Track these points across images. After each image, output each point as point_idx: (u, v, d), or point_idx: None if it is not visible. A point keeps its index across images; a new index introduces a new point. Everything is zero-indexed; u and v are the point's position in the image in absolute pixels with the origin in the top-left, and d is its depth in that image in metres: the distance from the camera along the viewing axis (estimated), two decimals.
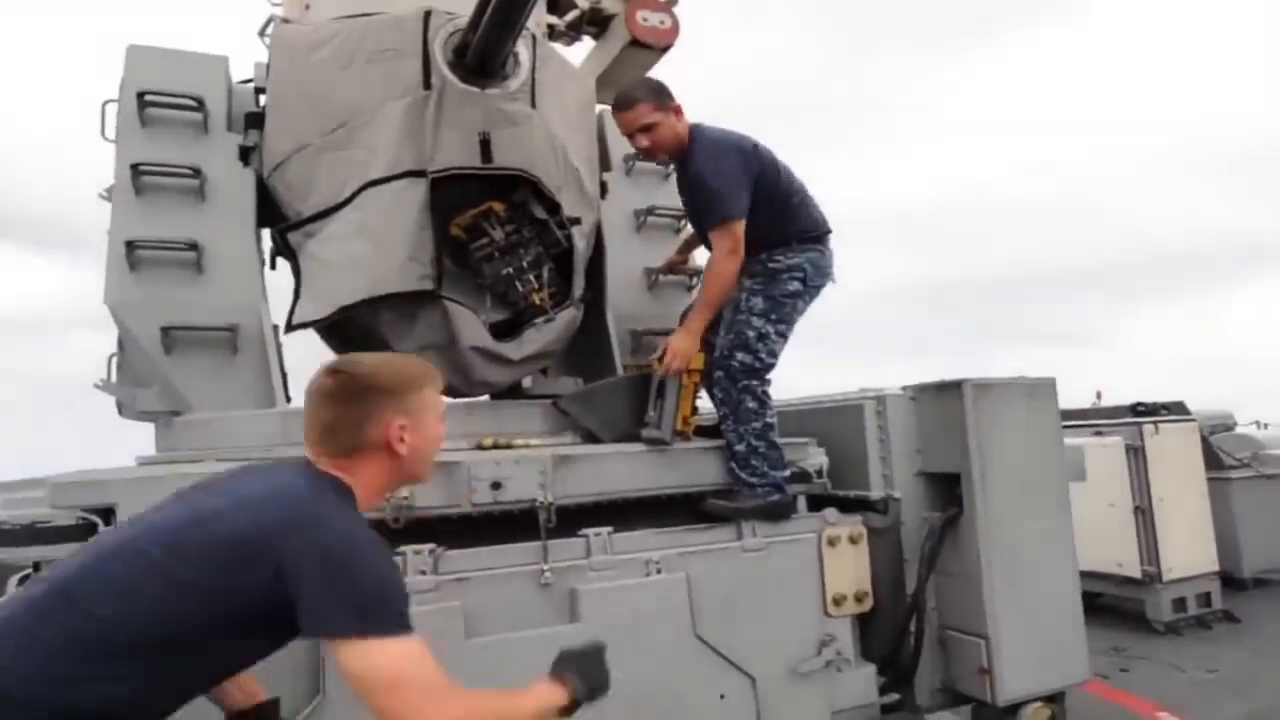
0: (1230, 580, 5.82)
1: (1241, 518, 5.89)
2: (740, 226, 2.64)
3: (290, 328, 2.67)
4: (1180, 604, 5.26)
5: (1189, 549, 5.25)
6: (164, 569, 1.25)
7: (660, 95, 2.70)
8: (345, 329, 2.91)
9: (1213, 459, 5.82)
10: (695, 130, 2.74)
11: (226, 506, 1.32)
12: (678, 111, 2.72)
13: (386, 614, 1.24)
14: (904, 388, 3.02)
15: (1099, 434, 5.38)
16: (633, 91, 2.74)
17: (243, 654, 1.41)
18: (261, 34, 3.31)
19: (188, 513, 1.34)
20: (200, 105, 2.87)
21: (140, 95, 2.80)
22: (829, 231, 2.85)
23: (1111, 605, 5.64)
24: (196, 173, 2.79)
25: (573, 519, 2.43)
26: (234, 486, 1.41)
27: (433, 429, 1.55)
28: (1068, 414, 5.28)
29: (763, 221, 2.71)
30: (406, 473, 1.53)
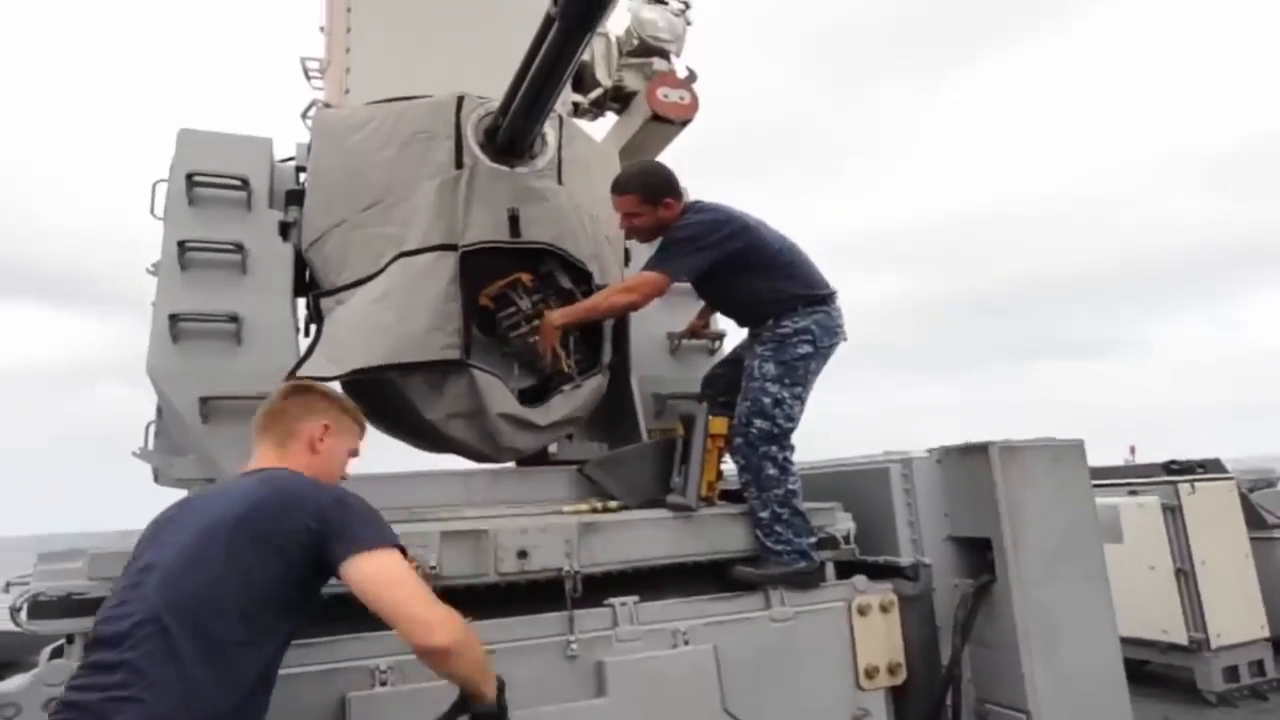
0: None
1: None
2: (661, 284, 2.74)
3: (294, 379, 2.69)
4: (1232, 672, 5.01)
5: (1236, 613, 5.03)
6: (228, 548, 1.50)
7: (652, 191, 2.80)
8: (373, 393, 2.97)
9: (1254, 518, 5.62)
10: (689, 205, 2.86)
11: (252, 494, 1.60)
12: (669, 206, 2.81)
13: (388, 533, 1.61)
14: (929, 450, 3.00)
15: (1133, 493, 5.25)
16: (629, 179, 2.85)
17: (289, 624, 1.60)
18: (303, 116, 3.50)
19: (219, 508, 1.58)
20: (245, 184, 3.02)
21: (189, 176, 2.95)
22: (833, 293, 2.90)
23: (1159, 673, 5.39)
24: (239, 248, 2.92)
25: (599, 587, 2.42)
26: (228, 490, 1.68)
27: (343, 449, 1.90)
28: (1099, 472, 5.17)
29: (762, 288, 2.78)
30: (318, 473, 1.79)
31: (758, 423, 2.69)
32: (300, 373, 2.69)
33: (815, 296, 2.83)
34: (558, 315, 2.75)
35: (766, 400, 2.69)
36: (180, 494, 2.87)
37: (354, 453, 1.94)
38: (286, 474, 1.73)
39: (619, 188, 2.85)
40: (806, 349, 2.75)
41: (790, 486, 2.68)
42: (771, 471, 2.66)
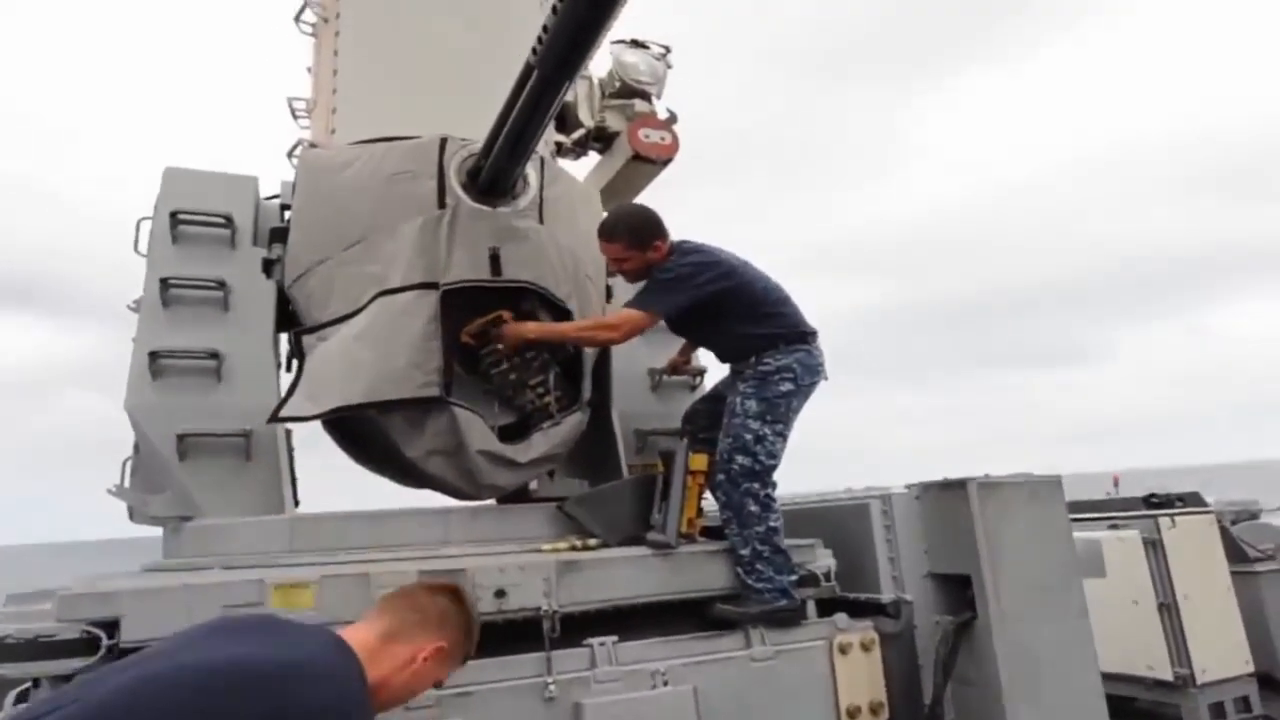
0: (1268, 681, 5.51)
1: (1274, 614, 5.64)
2: (643, 322, 2.79)
3: (276, 418, 2.71)
4: (1218, 709, 4.98)
5: (1220, 649, 5.01)
6: (195, 706, 1.25)
7: (640, 236, 2.85)
8: (354, 430, 2.97)
9: (1235, 551, 5.64)
10: (675, 245, 2.90)
11: (274, 665, 1.34)
12: (657, 248, 2.86)
13: None
14: (908, 486, 3.02)
15: (1114, 526, 5.26)
16: (616, 225, 2.91)
17: None
18: (289, 155, 3.54)
19: (221, 658, 1.34)
20: (229, 222, 3.04)
21: (173, 214, 2.98)
22: (814, 331, 2.94)
23: (1147, 710, 5.35)
24: (221, 285, 2.93)
25: (578, 626, 2.40)
26: (273, 639, 1.44)
27: (436, 676, 1.64)
28: (1079, 505, 5.17)
29: (746, 327, 2.83)
30: (393, 686, 1.55)
31: (740, 459, 2.70)
32: (282, 413, 2.69)
33: (797, 335, 2.87)
34: (532, 330, 2.79)
35: (749, 437, 2.71)
36: (156, 532, 2.85)
37: (439, 683, 1.70)
38: (344, 673, 1.42)
39: (606, 235, 2.90)
40: (788, 386, 2.79)
41: (772, 524, 2.68)
42: (753, 509, 2.67)
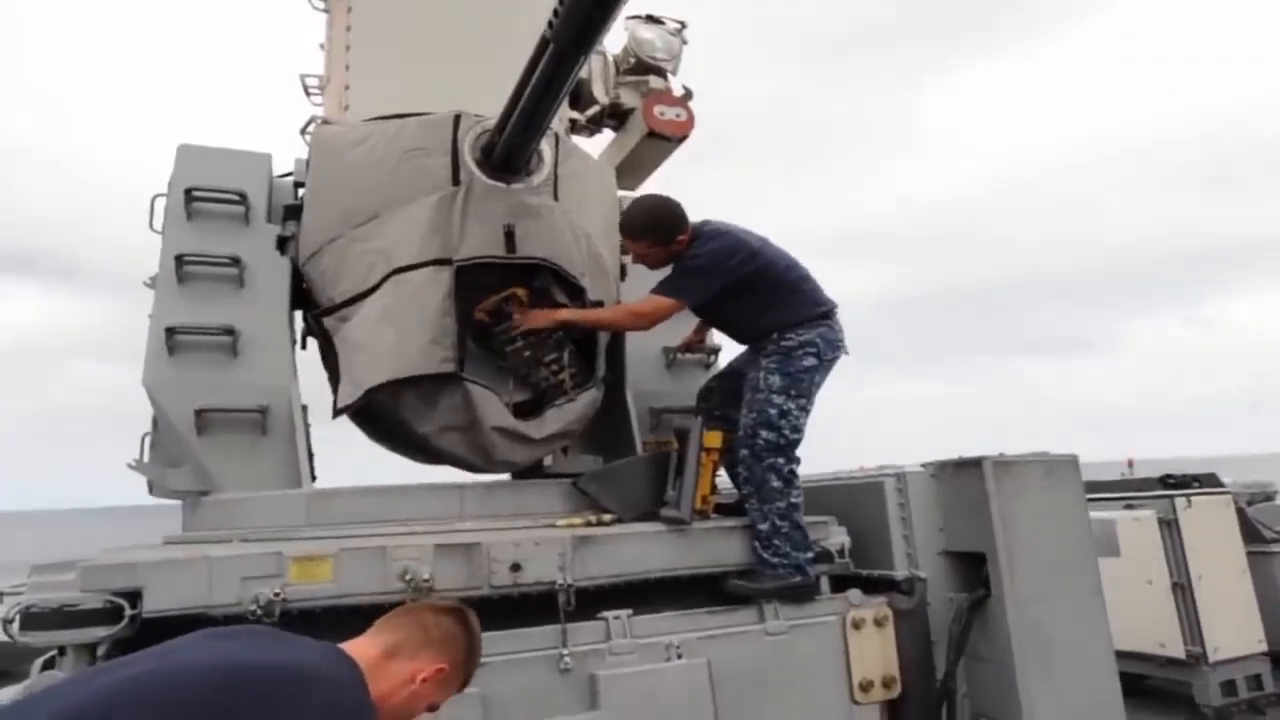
0: None
1: None
2: (672, 309, 2.84)
3: (336, 413, 2.82)
4: (1230, 687, 4.98)
5: (1234, 628, 5.01)
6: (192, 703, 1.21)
7: (663, 231, 2.88)
8: (371, 410, 2.98)
9: (1251, 532, 5.61)
10: (698, 228, 2.91)
11: (274, 667, 1.32)
12: (680, 241, 2.88)
13: None
14: (924, 465, 3.01)
15: (1129, 507, 5.24)
16: (639, 226, 2.93)
17: None
18: (302, 132, 3.53)
19: (223, 658, 1.31)
20: (243, 199, 3.04)
21: (188, 191, 2.97)
22: (835, 307, 2.96)
23: (1158, 688, 5.36)
24: (236, 262, 2.93)
25: (593, 600, 2.42)
26: (271, 644, 1.42)
27: (432, 698, 1.58)
28: (1095, 485, 5.16)
29: (769, 305, 2.84)
30: (391, 705, 1.50)
31: (764, 434, 2.71)
32: (338, 405, 2.78)
33: (819, 312, 2.89)
34: (564, 314, 2.83)
35: (773, 412, 2.72)
36: (175, 505, 2.89)
37: (434, 707, 1.62)
38: (349, 679, 1.38)
39: (630, 234, 2.94)
40: (811, 361, 2.80)
41: (793, 500, 2.69)
42: (775, 484, 2.68)
